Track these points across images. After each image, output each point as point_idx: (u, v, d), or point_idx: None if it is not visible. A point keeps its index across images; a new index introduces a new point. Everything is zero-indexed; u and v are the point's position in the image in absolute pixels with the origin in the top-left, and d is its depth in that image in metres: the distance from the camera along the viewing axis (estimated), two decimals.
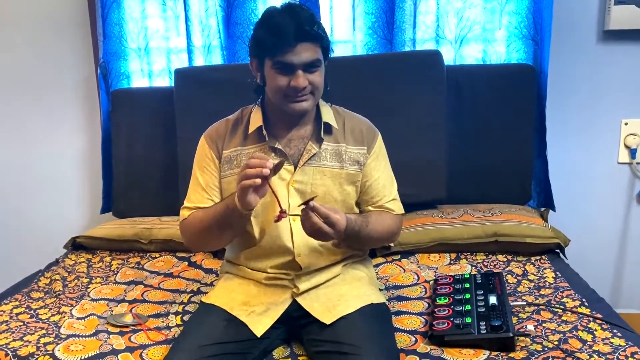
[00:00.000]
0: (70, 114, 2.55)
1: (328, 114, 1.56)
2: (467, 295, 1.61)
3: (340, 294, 1.48)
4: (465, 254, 2.00)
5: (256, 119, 1.54)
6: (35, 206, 2.62)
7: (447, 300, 1.61)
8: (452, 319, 1.49)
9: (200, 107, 2.22)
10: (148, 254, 2.16)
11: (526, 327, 1.45)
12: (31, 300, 1.80)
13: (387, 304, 1.58)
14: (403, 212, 1.60)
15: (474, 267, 1.91)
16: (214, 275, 1.96)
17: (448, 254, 2.00)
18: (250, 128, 1.54)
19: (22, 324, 1.64)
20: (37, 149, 2.59)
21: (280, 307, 1.46)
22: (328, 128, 1.54)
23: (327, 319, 1.40)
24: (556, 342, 1.40)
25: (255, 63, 1.49)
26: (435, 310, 1.56)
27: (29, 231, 2.64)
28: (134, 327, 1.60)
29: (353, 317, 1.40)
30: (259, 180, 1.30)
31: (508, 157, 2.23)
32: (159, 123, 2.38)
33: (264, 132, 1.52)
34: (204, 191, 1.54)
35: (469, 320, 1.47)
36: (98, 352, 1.46)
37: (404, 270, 1.92)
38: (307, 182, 1.51)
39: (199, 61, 2.40)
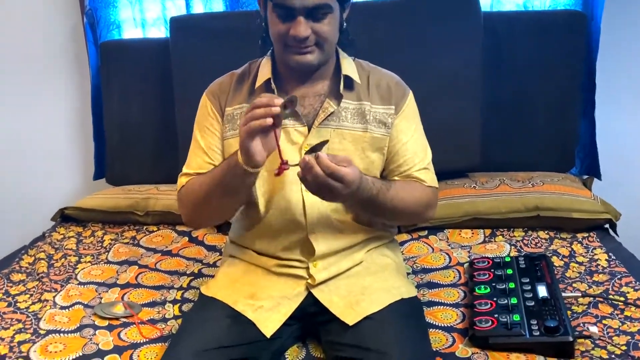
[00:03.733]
0: (57, 69, 2.28)
1: (349, 67, 1.29)
2: (512, 285, 1.38)
3: (364, 286, 1.25)
4: (502, 229, 1.77)
5: (264, 71, 1.29)
6: (21, 174, 2.37)
7: (488, 289, 1.37)
8: (496, 315, 1.26)
9: (200, 60, 1.97)
10: (145, 227, 1.94)
11: (588, 328, 1.22)
12: (10, 284, 1.59)
13: (418, 296, 1.35)
14: (437, 185, 1.35)
15: (513, 247, 1.67)
16: (218, 253, 1.73)
17: (482, 230, 1.76)
18: (257, 81, 1.28)
19: None
20: (20, 111, 2.32)
21: (293, 301, 1.24)
22: (349, 83, 1.28)
23: (350, 319, 1.17)
24: (624, 347, 1.18)
25: (262, 1, 1.24)
26: (475, 303, 1.33)
27: (15, 201, 2.39)
28: (125, 320, 1.39)
29: (380, 316, 1.17)
30: (269, 120, 1.06)
31: (550, 118, 1.97)
32: (154, 79, 2.13)
33: (273, 85, 1.26)
34: (205, 154, 1.30)
35: (516, 317, 1.24)
36: (81, 354, 1.26)
37: (433, 249, 1.69)
38: (323, 147, 1.25)
39: (198, 8, 2.13)
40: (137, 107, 2.15)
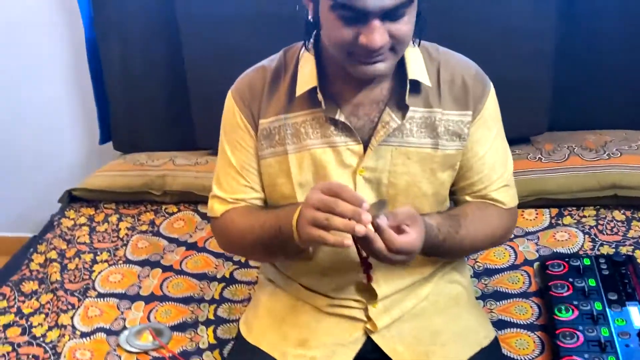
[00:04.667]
0: (46, 18, 1.96)
1: (417, 64, 1.00)
2: (598, 306, 1.18)
3: (434, 331, 1.06)
4: (570, 209, 1.55)
5: (307, 76, 1.00)
6: (20, 142, 2.11)
7: (570, 312, 1.18)
8: (586, 356, 1.08)
9: (212, 8, 1.65)
10: (164, 208, 1.74)
11: None
12: (22, 297, 1.42)
13: (497, 335, 1.15)
14: (517, 202, 1.11)
15: (586, 236, 1.45)
16: None
17: (547, 210, 1.55)
18: (298, 88, 1.01)
19: (10, 348, 1.27)
20: (9, 72, 2.03)
21: (349, 349, 1.06)
22: (415, 85, 1.01)
23: None
24: None
25: None
26: (558, 333, 1.14)
27: (16, 173, 2.16)
28: (154, 354, 1.22)
29: None
30: (348, 242, 0.84)
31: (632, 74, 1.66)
32: (158, 31, 1.83)
33: (319, 95, 0.99)
34: (239, 175, 1.07)
35: None
36: None
37: None
38: (383, 170, 1.02)
39: None
40: (140, 63, 1.87)
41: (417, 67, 1.00)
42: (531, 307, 1.28)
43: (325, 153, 1.02)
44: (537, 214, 1.54)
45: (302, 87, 1.00)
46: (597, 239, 1.45)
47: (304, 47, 1.02)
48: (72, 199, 1.78)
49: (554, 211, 1.54)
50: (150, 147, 1.92)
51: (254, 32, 1.64)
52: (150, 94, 1.90)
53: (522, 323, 1.24)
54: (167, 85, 1.88)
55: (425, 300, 1.09)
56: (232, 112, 1.07)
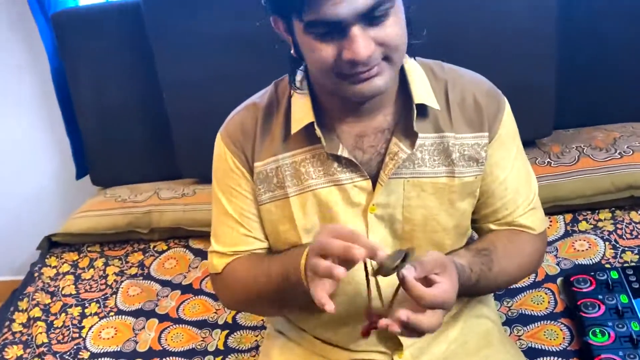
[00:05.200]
0: (7, 51, 1.81)
1: (422, 85, 0.90)
2: (635, 326, 1.10)
3: None
4: (585, 213, 1.46)
5: (302, 111, 0.90)
6: None
7: (607, 337, 1.10)
8: None
9: (186, 28, 1.54)
10: (152, 246, 1.62)
11: None
12: None
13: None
14: (546, 224, 1.02)
15: (607, 243, 1.37)
16: None
17: (561, 217, 1.46)
18: (293, 125, 0.90)
19: None
20: None
21: None
22: (422, 109, 0.90)
23: None
24: None
25: (281, 24, 0.82)
26: None
27: None
28: None
29: None
30: (340, 273, 0.73)
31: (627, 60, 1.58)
32: (130, 54, 1.70)
33: (318, 132, 0.88)
34: (237, 224, 0.96)
35: None
36: None
37: None
38: (396, 205, 0.92)
39: None
40: (114, 90, 1.74)
41: (422, 88, 0.90)
42: (561, 330, 1.19)
43: (331, 193, 0.91)
44: (551, 221, 1.46)
45: (297, 124, 0.90)
46: (618, 245, 1.37)
47: (294, 86, 0.91)
48: (52, 244, 1.66)
49: (568, 217, 1.46)
50: (131, 179, 1.80)
51: (234, 54, 1.52)
52: (127, 123, 1.77)
53: (554, 350, 1.15)
54: (145, 113, 1.75)
55: (454, 343, 1.00)
56: (223, 156, 0.96)
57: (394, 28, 0.78)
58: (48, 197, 1.99)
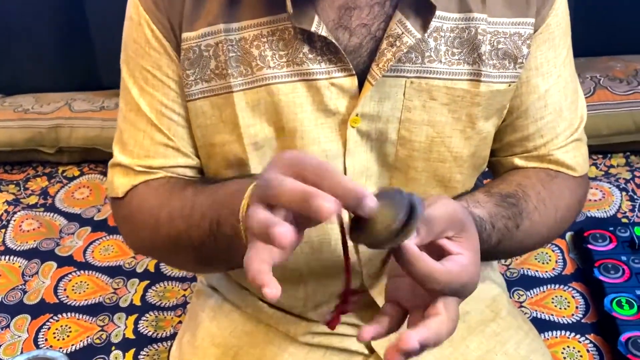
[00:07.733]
0: None
1: None
2: None
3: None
4: (595, 157, 1.24)
5: None
6: None
7: (635, 310, 0.86)
8: None
9: None
10: (60, 170, 1.29)
11: None
12: None
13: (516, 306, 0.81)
14: (588, 166, 0.74)
15: (623, 193, 1.14)
16: None
17: None
18: None
19: None
20: None
21: None
22: None
23: None
24: None
25: None
26: (623, 340, 0.82)
27: None
28: None
29: None
30: (285, 239, 0.41)
31: None
32: None
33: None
34: (153, 128, 0.64)
35: None
36: None
37: None
38: (391, 118, 0.61)
39: None
40: None
41: None
42: (573, 297, 0.95)
43: (295, 90, 0.59)
44: None
45: None
46: (636, 197, 1.13)
47: None
48: None
49: None
50: (39, 86, 1.44)
51: None
52: (36, 17, 1.39)
53: (566, 322, 0.91)
54: (59, 5, 1.38)
55: None
56: (136, 21, 0.63)
57: None
58: None
